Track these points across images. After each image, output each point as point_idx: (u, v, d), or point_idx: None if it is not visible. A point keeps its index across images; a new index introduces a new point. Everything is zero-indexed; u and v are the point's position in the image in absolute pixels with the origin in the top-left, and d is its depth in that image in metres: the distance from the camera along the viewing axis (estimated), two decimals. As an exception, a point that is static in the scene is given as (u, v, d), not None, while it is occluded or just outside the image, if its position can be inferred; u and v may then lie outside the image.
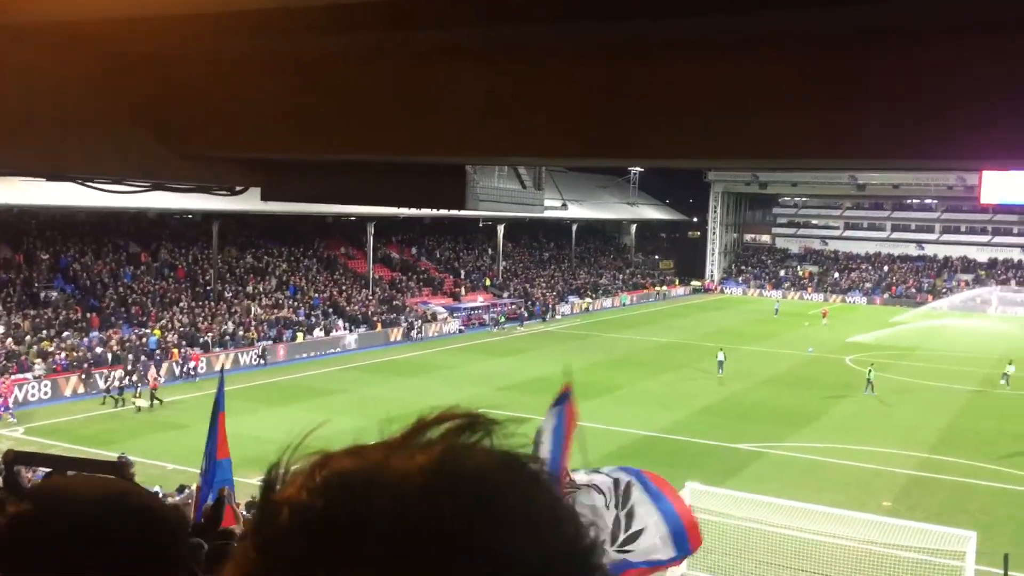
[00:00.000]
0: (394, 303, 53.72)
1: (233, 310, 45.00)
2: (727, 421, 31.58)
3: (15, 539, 1.26)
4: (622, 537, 6.53)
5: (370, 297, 53.21)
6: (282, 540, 0.70)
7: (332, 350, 45.55)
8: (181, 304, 43.68)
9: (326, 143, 4.74)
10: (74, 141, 4.52)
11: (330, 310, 49.60)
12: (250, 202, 11.60)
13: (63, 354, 35.31)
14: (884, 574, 16.85)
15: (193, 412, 27.97)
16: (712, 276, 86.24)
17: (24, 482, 3.62)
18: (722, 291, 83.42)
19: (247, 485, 14.61)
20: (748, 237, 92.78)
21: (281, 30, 3.68)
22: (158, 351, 37.95)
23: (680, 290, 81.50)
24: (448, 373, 40.04)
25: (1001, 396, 37.56)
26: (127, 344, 37.61)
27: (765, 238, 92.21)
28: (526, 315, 59.16)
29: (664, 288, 79.08)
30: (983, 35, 3.30)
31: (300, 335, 45.14)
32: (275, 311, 46.65)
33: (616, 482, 6.59)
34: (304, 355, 43.91)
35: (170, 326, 40.93)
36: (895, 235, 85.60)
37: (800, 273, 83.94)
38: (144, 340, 38.48)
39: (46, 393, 33.36)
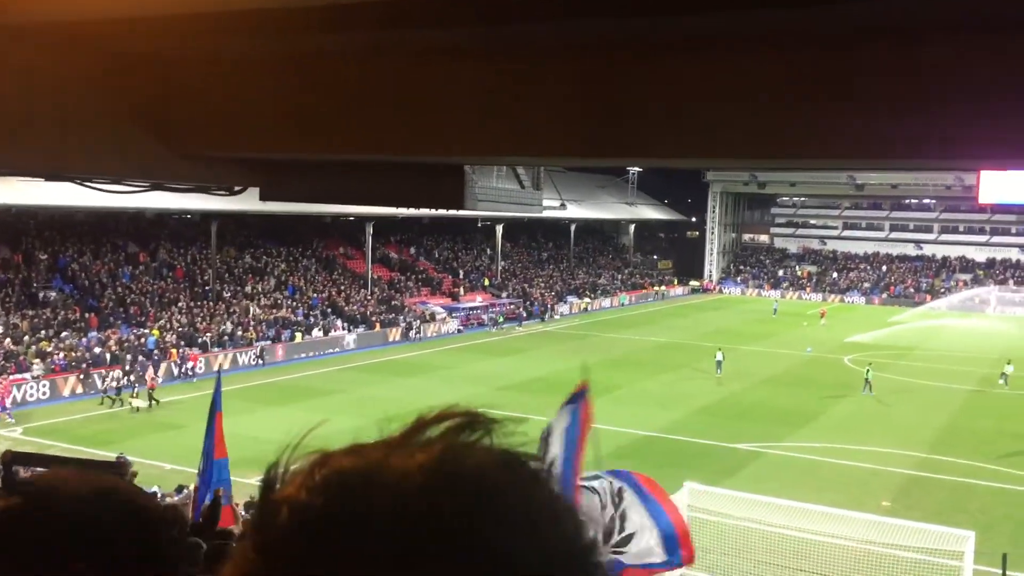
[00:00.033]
0: (393, 303, 53.72)
1: (232, 310, 44.98)
2: (725, 421, 31.59)
3: (2, 533, 1.26)
4: (616, 539, 6.54)
5: (369, 297, 53.20)
6: (281, 539, 0.70)
7: (331, 350, 45.55)
8: (180, 304, 43.66)
9: (325, 143, 4.74)
10: (74, 141, 4.52)
11: (329, 310, 49.59)
12: (249, 202, 11.60)
13: (61, 354, 35.29)
14: (883, 574, 16.86)
15: (191, 412, 27.96)
16: (711, 276, 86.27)
17: (23, 482, 3.61)
18: (721, 291, 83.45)
19: (246, 485, 14.61)
20: (747, 237, 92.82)
21: (280, 30, 3.68)
22: (156, 351, 37.93)
23: (679, 290, 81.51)
24: (447, 373, 40.04)
25: (999, 396, 37.60)
26: (126, 344, 37.59)
27: (764, 238, 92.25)
28: (525, 315, 59.16)
29: (663, 288, 79.10)
30: (982, 35, 3.30)
31: (299, 335, 45.13)
32: (274, 311, 46.64)
33: (611, 484, 6.60)
34: (302, 355, 43.90)
35: (169, 326, 40.91)
36: (893, 235, 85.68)
37: (799, 273, 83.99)
38: (143, 340, 38.46)
39: (44, 393, 33.34)
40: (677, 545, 6.77)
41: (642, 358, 44.89)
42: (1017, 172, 33.08)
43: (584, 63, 3.98)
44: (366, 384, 36.92)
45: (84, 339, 37.27)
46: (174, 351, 38.53)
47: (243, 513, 12.95)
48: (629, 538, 6.65)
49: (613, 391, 34.91)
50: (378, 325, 49.72)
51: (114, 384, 33.61)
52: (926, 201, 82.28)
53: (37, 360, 34.42)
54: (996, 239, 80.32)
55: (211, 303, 44.79)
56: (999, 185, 42.32)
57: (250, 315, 44.88)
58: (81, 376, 34.51)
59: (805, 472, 25.80)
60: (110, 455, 20.46)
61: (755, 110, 3.78)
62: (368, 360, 43.38)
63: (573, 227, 73.95)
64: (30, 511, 1.29)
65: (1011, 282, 75.31)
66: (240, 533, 0.79)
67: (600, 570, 0.75)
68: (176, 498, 17.10)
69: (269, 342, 43.23)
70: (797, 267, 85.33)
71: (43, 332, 36.76)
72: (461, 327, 54.57)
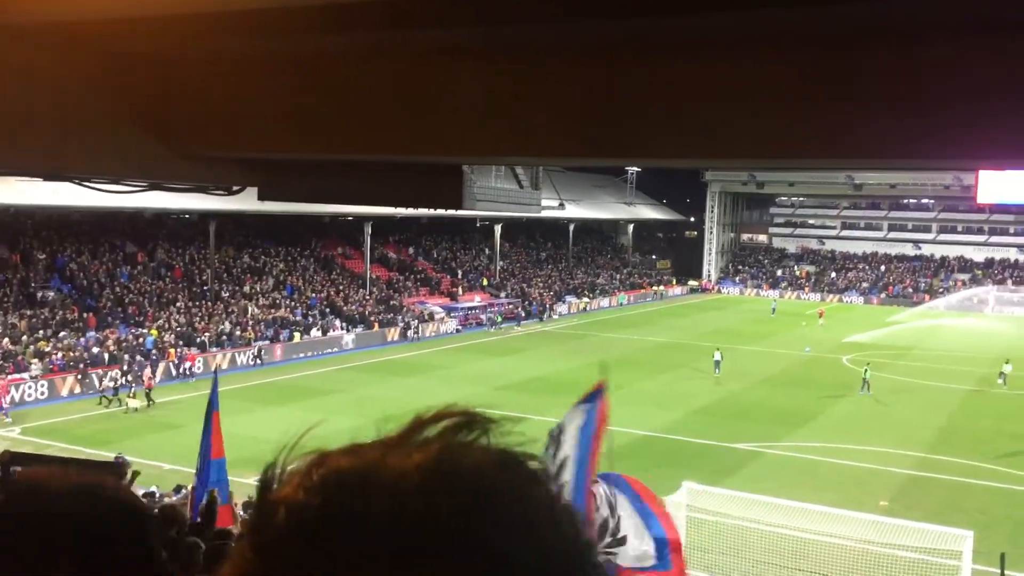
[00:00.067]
0: (391, 303, 53.71)
1: (230, 310, 44.96)
2: (724, 421, 31.60)
3: None
4: (607, 540, 6.55)
5: (367, 297, 53.19)
6: (279, 540, 0.70)
7: (329, 350, 45.53)
8: (178, 304, 43.63)
9: (326, 143, 4.74)
10: (74, 141, 4.51)
11: (327, 310, 49.57)
12: (247, 202, 11.61)
13: (60, 354, 35.26)
14: (881, 573, 16.87)
15: (189, 412, 27.93)
16: (709, 276, 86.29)
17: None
18: (719, 291, 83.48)
19: (244, 485, 14.59)
20: (745, 237, 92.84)
21: (280, 30, 3.68)
22: (154, 351, 37.90)
23: (677, 290, 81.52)
24: (445, 373, 40.03)
25: (998, 395, 37.63)
26: (124, 344, 37.57)
27: (762, 238, 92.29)
28: (523, 315, 59.17)
29: (661, 288, 79.12)
30: (982, 35, 3.30)
31: (297, 335, 45.12)
32: (272, 311, 46.62)
33: (607, 487, 6.61)
34: (301, 355, 43.88)
35: (167, 326, 40.88)
36: (892, 235, 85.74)
37: (797, 273, 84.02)
38: (141, 340, 38.44)
39: (42, 393, 33.31)
40: (668, 551, 6.79)
41: (641, 358, 44.88)
42: (1015, 172, 33.12)
43: (584, 63, 3.98)
44: (364, 384, 36.91)
45: (82, 339, 37.24)
46: (172, 351, 38.51)
47: (242, 513, 12.94)
48: (623, 540, 6.66)
49: (611, 391, 34.85)
50: (376, 325, 49.71)
51: (111, 384, 33.58)
52: (924, 201, 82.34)
53: (35, 360, 34.39)
54: (994, 239, 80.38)
55: (209, 303, 44.76)
56: (997, 185, 42.37)
57: (248, 315, 44.86)
58: (79, 376, 34.49)
59: (803, 472, 25.81)
60: (108, 455, 20.45)
61: (755, 110, 3.78)
62: (366, 360, 43.36)
63: (572, 227, 73.95)
64: (13, 508, 1.28)
65: (1009, 282, 75.38)
66: (238, 533, 0.79)
67: (598, 570, 0.75)
68: (174, 498, 17.07)
69: (267, 342, 43.21)
70: (795, 267, 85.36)
71: (41, 332, 36.73)
72: (459, 327, 54.57)
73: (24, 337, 35.91)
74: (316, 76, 4.50)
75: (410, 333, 50.47)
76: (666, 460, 25.15)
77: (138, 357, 36.42)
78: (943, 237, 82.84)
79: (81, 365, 34.94)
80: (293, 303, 48.67)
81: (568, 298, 66.40)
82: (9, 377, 32.43)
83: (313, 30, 3.69)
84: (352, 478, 0.71)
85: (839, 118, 3.65)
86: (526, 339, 51.67)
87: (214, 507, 10.84)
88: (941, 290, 75.44)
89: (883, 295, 76.50)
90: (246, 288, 48.21)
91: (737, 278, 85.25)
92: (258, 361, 41.48)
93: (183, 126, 4.87)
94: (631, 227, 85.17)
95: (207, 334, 41.29)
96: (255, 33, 3.79)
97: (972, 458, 27.32)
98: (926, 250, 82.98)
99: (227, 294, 46.87)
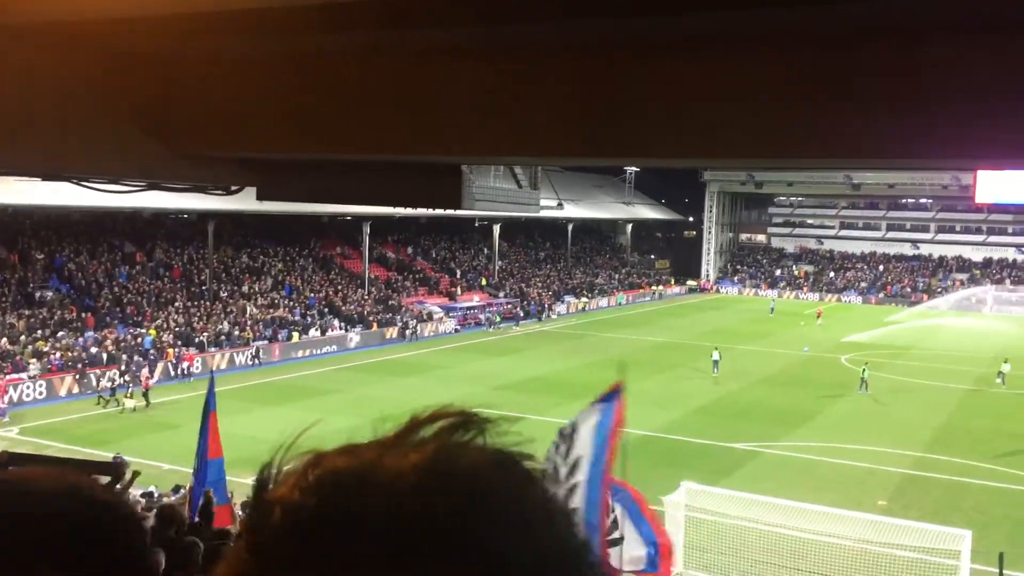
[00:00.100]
0: (390, 303, 53.70)
1: (229, 310, 44.94)
2: (723, 420, 31.61)
3: None
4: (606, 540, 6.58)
5: (366, 297, 53.17)
6: (274, 540, 0.70)
7: (328, 350, 45.52)
8: (176, 304, 43.61)
9: (325, 143, 4.74)
10: (74, 141, 4.51)
11: (326, 310, 49.56)
12: (246, 202, 11.60)
13: (58, 354, 35.24)
14: (880, 573, 16.87)
15: (188, 412, 27.92)
16: (708, 276, 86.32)
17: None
18: (718, 291, 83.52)
19: (243, 485, 14.59)
20: (744, 237, 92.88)
21: (280, 29, 3.68)
22: (153, 351, 37.88)
23: (676, 290, 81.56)
24: (444, 373, 40.03)
25: (996, 395, 37.65)
26: (122, 344, 37.54)
27: (761, 238, 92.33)
28: (522, 315, 59.17)
29: (660, 288, 79.14)
30: (982, 35, 3.31)
31: (296, 335, 45.10)
32: (271, 311, 46.60)
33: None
34: (299, 355, 43.87)
35: (165, 326, 40.86)
36: (890, 235, 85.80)
37: (796, 272, 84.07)
38: (139, 340, 38.42)
39: (41, 393, 33.29)
40: (658, 556, 6.83)
41: (639, 358, 44.85)
42: (1014, 172, 33.14)
43: (584, 63, 3.98)
44: (363, 384, 36.90)
45: (80, 339, 37.22)
46: (171, 351, 38.49)
47: (240, 513, 12.94)
48: (618, 541, 6.70)
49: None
50: (375, 325, 49.70)
51: (109, 384, 33.56)
52: (923, 201, 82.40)
53: (33, 360, 34.37)
54: (993, 239, 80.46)
55: (208, 303, 44.74)
56: (996, 185, 42.37)
57: (247, 315, 44.84)
58: (77, 376, 34.46)
59: (802, 471, 25.82)
60: (107, 455, 20.44)
61: (755, 110, 3.78)
62: (365, 360, 43.35)
63: (570, 227, 73.94)
64: None
65: (1008, 281, 75.45)
66: (236, 533, 0.79)
67: (594, 570, 0.75)
68: (173, 498, 17.07)
69: (266, 342, 43.19)
70: (794, 267, 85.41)
71: (39, 332, 36.70)
72: (458, 327, 54.57)
73: (22, 337, 35.88)
74: (315, 76, 4.50)
75: (408, 333, 50.46)
76: (665, 460, 25.15)
77: (136, 357, 36.39)
78: (941, 237, 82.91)
79: (79, 365, 34.92)
80: (292, 303, 48.66)
81: (567, 298, 66.41)
82: (7, 377, 32.40)
83: (312, 30, 3.69)
84: (348, 478, 0.71)
85: (839, 118, 3.65)
86: (525, 339, 51.67)
87: (210, 507, 10.85)
88: (939, 290, 75.49)
89: (881, 295, 76.56)
90: (244, 288, 48.19)
91: (736, 278, 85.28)
92: (256, 361, 41.46)
93: (182, 126, 4.86)
94: (630, 227, 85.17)
95: (205, 334, 41.27)
96: (254, 33, 3.79)
97: (970, 458, 27.34)
98: (924, 250, 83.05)
99: (225, 294, 46.86)
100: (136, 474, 9.91)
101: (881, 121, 3.58)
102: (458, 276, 63.63)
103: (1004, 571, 14.60)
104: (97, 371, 34.64)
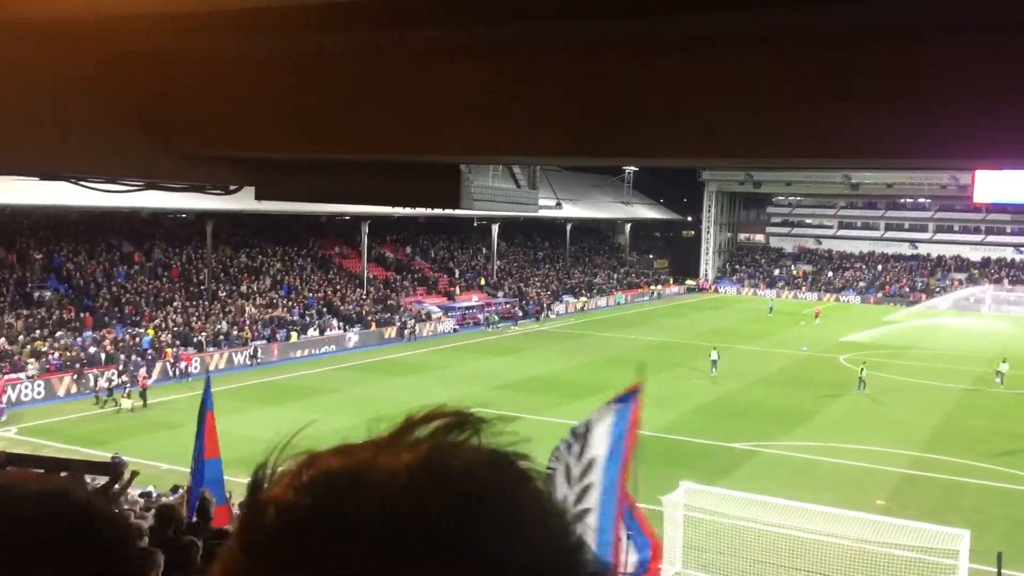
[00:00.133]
0: (388, 302, 53.70)
1: (227, 309, 44.94)
2: (721, 420, 31.63)
3: None
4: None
5: (364, 297, 53.17)
6: (268, 540, 0.70)
7: (326, 350, 45.52)
8: (175, 304, 43.60)
9: (325, 143, 4.73)
10: (74, 141, 4.51)
11: (324, 309, 49.56)
12: (244, 201, 11.59)
13: (56, 354, 35.22)
14: (878, 573, 16.89)
15: (186, 412, 27.84)
16: (706, 275, 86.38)
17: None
18: (716, 290, 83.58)
19: (240, 485, 14.58)
20: (742, 236, 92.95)
21: (278, 28, 3.67)
22: (151, 351, 37.86)
23: (674, 289, 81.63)
24: (442, 372, 40.04)
25: (994, 395, 37.69)
26: (121, 344, 37.53)
27: (759, 237, 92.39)
28: (520, 314, 59.17)
29: (658, 287, 79.19)
30: (982, 35, 3.30)
31: (294, 335, 45.10)
32: (269, 311, 46.59)
33: None
34: (298, 355, 43.87)
35: (164, 326, 40.85)
36: (889, 234, 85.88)
37: (794, 272, 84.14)
38: (138, 340, 38.41)
39: (39, 393, 33.27)
40: (649, 559, 6.84)
41: (638, 357, 44.70)
42: (1012, 172, 33.18)
43: (584, 63, 3.98)
44: (361, 384, 36.90)
45: (79, 339, 37.21)
46: (169, 351, 38.48)
47: (238, 513, 12.93)
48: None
49: (608, 391, 34.86)
50: (374, 325, 49.69)
51: (106, 384, 33.54)
52: (921, 200, 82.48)
53: (32, 360, 34.36)
54: (991, 238, 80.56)
55: (206, 303, 44.74)
56: (994, 185, 42.45)
57: (245, 315, 44.83)
58: (76, 376, 34.44)
59: (800, 471, 25.84)
60: (105, 455, 20.42)
61: (755, 110, 3.78)
62: (364, 360, 43.36)
63: (569, 226, 73.96)
64: None
65: (1006, 281, 75.55)
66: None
67: (588, 569, 0.75)
68: (172, 498, 17.06)
69: (264, 342, 43.18)
70: (793, 266, 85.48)
71: (38, 332, 36.68)
72: (457, 326, 54.58)
73: (21, 337, 35.87)
74: (315, 75, 4.49)
75: (406, 332, 50.46)
76: (663, 459, 25.15)
77: (134, 357, 36.38)
78: (940, 236, 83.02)
79: (78, 365, 34.90)
80: (290, 303, 48.65)
81: (565, 297, 66.43)
82: (5, 377, 32.39)
83: (312, 29, 3.68)
84: (342, 478, 0.71)
85: (839, 118, 3.65)
86: (523, 339, 51.68)
87: (206, 506, 10.83)
88: (938, 289, 75.58)
89: (880, 294, 76.64)
90: (243, 288, 48.19)
91: (734, 277, 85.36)
92: (255, 361, 41.45)
93: (181, 125, 4.86)
94: (628, 227, 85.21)
95: (204, 334, 41.26)
96: (253, 32, 3.78)
97: (968, 457, 27.37)
98: (923, 249, 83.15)
99: (224, 294, 46.85)
100: (135, 474, 9.92)
101: (881, 121, 3.57)
102: (457, 276, 63.64)
103: (1002, 571, 14.62)
104: (95, 371, 34.62)
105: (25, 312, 37.93)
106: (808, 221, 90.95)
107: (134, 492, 15.06)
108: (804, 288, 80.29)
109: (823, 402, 35.52)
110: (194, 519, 10.59)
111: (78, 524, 1.28)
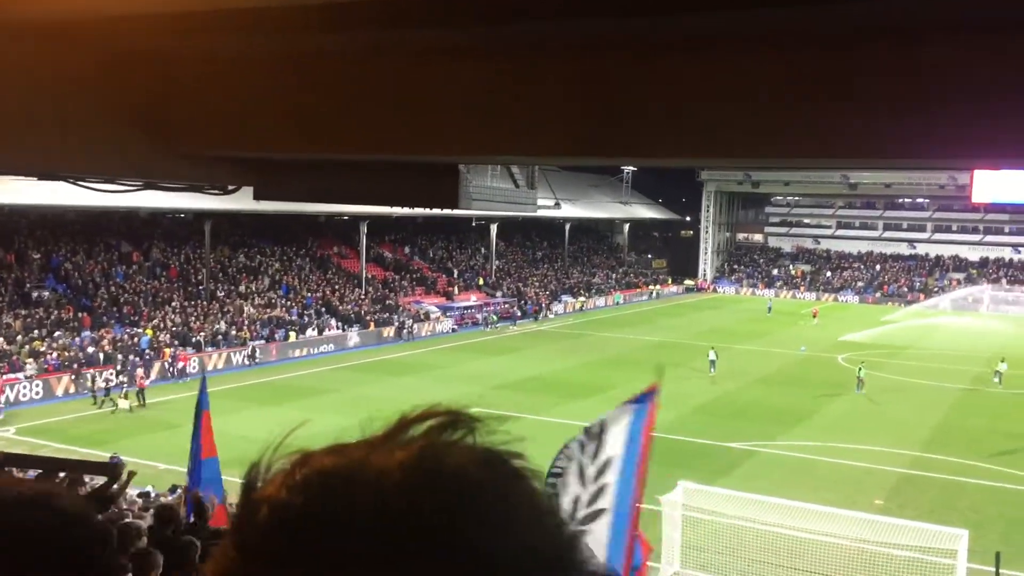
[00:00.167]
0: (387, 302, 53.67)
1: (226, 309, 44.90)
2: (720, 420, 31.64)
3: None
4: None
5: (363, 296, 53.15)
6: (261, 538, 0.70)
7: (325, 350, 45.50)
8: (173, 304, 43.57)
9: (323, 142, 4.73)
10: (73, 141, 4.50)
11: (323, 309, 49.53)
12: (242, 201, 11.58)
13: (55, 354, 35.19)
14: (877, 572, 16.89)
15: (184, 412, 27.68)
16: (705, 275, 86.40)
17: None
18: (715, 290, 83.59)
19: (236, 485, 14.56)
20: (741, 236, 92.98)
21: (278, 28, 3.67)
22: (149, 351, 37.84)
23: (673, 289, 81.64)
24: (441, 372, 40.03)
25: (993, 394, 37.71)
26: (119, 344, 37.50)
27: (758, 237, 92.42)
28: (519, 314, 59.17)
29: (657, 287, 79.19)
30: (982, 35, 3.31)
31: (292, 334, 45.07)
32: (268, 310, 46.56)
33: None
34: (296, 355, 43.85)
35: (162, 326, 40.82)
36: (887, 234, 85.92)
37: (792, 272, 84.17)
38: (136, 340, 38.37)
39: (37, 393, 33.24)
40: (641, 560, 6.85)
41: (637, 357, 44.89)
42: (1010, 172, 33.21)
43: (584, 63, 3.98)
44: (360, 383, 36.88)
45: (77, 339, 37.17)
46: (167, 351, 38.45)
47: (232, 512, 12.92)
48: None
49: (607, 391, 34.89)
50: (372, 324, 49.68)
51: (104, 384, 33.51)
52: (919, 200, 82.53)
53: (30, 360, 34.32)
54: (989, 238, 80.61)
55: (205, 302, 44.70)
56: (992, 184, 42.52)
57: (244, 315, 44.80)
58: (74, 376, 34.41)
59: (799, 471, 25.85)
60: (104, 455, 20.41)
61: (755, 110, 3.78)
62: (362, 359, 43.34)
63: (567, 226, 73.95)
64: None
65: (1004, 281, 75.59)
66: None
67: (582, 567, 0.75)
68: (170, 498, 17.05)
69: (263, 341, 43.16)
70: (791, 266, 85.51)
71: (36, 332, 36.65)
72: (455, 326, 54.56)
73: (19, 337, 35.83)
74: (315, 75, 4.49)
75: (404, 332, 50.45)
76: (662, 459, 25.05)
77: (132, 356, 36.35)
78: (938, 236, 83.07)
79: (76, 365, 34.87)
80: (289, 303, 48.63)
81: (564, 297, 66.43)
82: (4, 377, 32.35)
83: (312, 29, 3.68)
84: (335, 477, 0.71)
85: (839, 118, 3.65)
86: (522, 338, 51.68)
87: (201, 506, 10.82)
88: (936, 289, 75.62)
89: (878, 294, 76.67)
90: (241, 288, 48.15)
91: (733, 277, 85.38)
92: (253, 361, 41.42)
93: (181, 125, 4.86)
94: (627, 226, 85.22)
95: (202, 334, 41.23)
96: (253, 32, 3.78)
97: (967, 457, 27.38)
98: (921, 249, 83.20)
99: (222, 294, 46.81)
100: (132, 474, 9.91)
101: (881, 121, 3.58)
102: (455, 276, 63.63)
103: (1000, 570, 14.63)
104: (94, 371, 34.59)
105: (23, 312, 37.89)
106: (806, 221, 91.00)
107: (132, 492, 15.03)
108: (802, 288, 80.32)
109: (821, 402, 35.53)
110: (192, 519, 10.58)
111: (57, 532, 1.27)
